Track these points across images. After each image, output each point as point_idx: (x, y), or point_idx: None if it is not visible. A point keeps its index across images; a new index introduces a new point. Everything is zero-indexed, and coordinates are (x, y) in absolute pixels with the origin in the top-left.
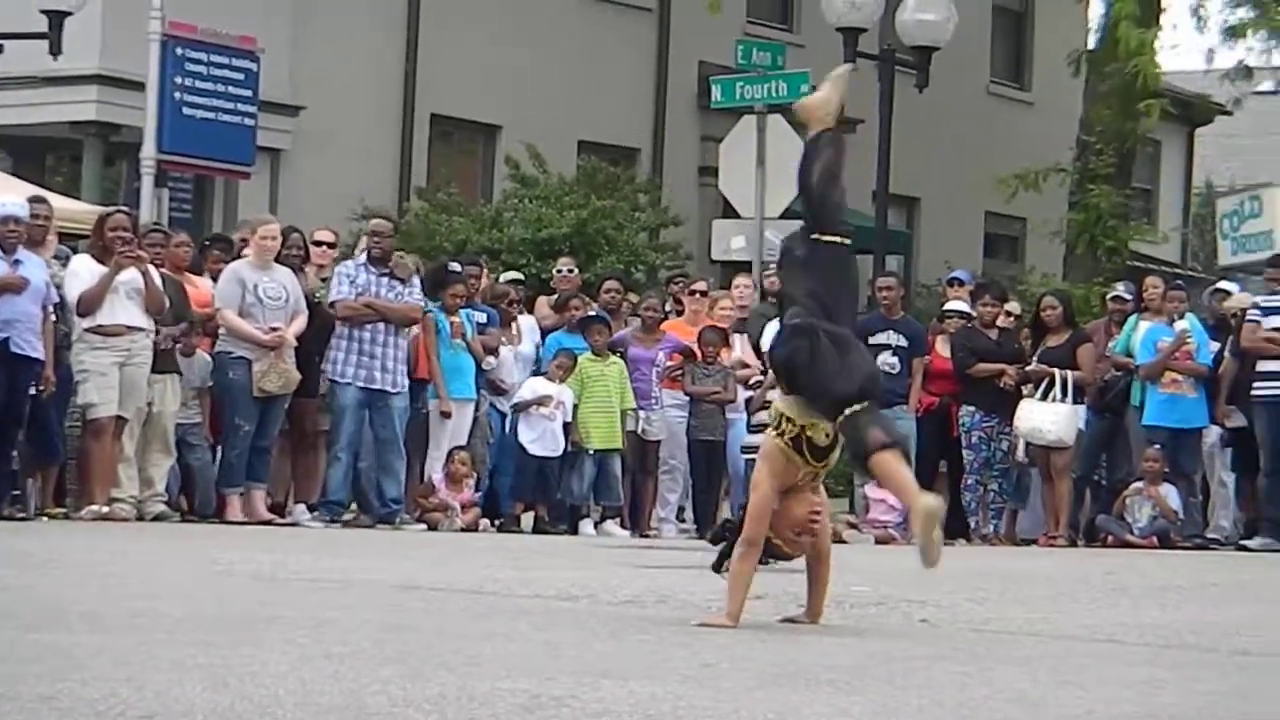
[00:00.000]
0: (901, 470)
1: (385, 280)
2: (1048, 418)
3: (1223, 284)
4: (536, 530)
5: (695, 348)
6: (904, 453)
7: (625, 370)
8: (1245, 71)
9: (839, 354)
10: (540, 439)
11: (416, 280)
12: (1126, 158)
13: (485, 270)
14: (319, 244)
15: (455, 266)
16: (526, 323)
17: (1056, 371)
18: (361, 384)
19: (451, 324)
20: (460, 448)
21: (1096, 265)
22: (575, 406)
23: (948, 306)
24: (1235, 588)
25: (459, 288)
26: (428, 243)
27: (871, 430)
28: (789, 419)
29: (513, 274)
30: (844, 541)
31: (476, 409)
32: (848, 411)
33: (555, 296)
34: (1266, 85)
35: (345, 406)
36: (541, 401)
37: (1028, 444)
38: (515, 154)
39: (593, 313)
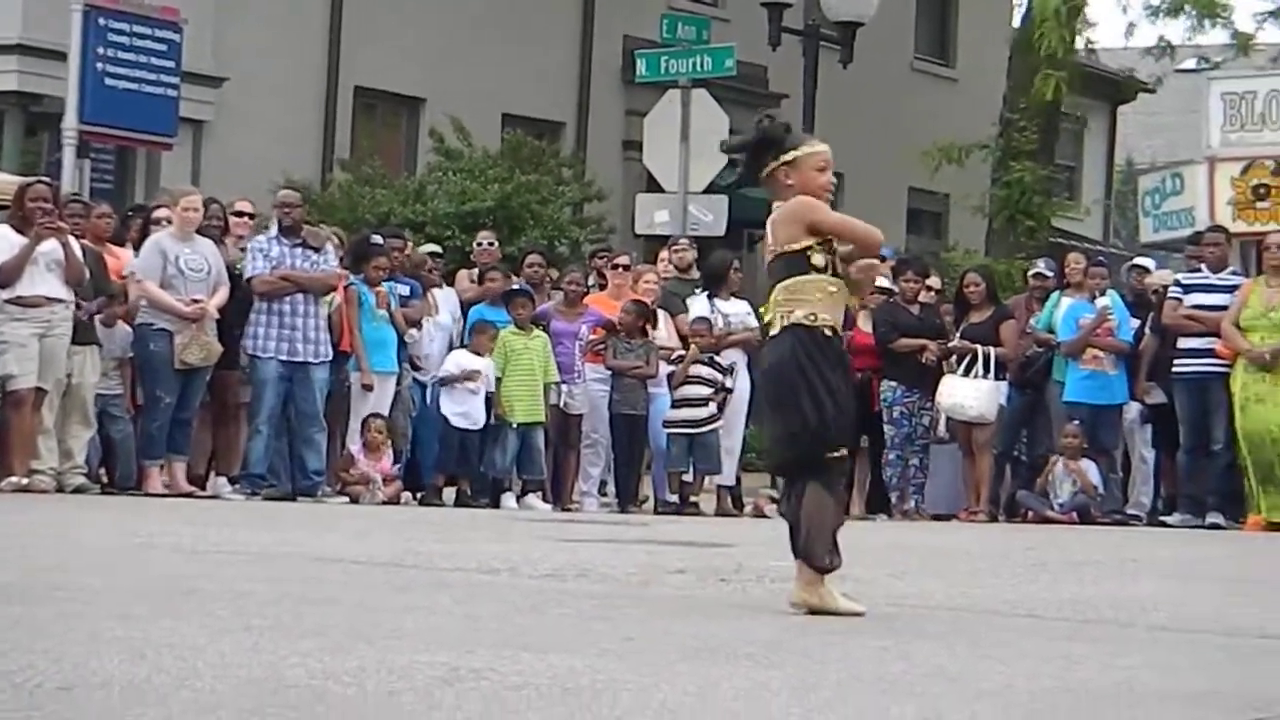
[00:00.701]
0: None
1: (299, 251)
2: (970, 393)
3: (1140, 260)
4: (458, 503)
5: (618, 321)
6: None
7: (549, 344)
8: (1167, 49)
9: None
10: (463, 412)
11: (330, 248)
12: (1049, 134)
13: (408, 243)
14: (239, 214)
15: (377, 239)
16: (445, 295)
17: (979, 348)
18: (284, 357)
19: (377, 294)
20: (377, 416)
21: (1019, 241)
22: (498, 380)
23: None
24: (1154, 563)
25: (381, 260)
26: (350, 214)
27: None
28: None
29: (431, 246)
30: (766, 517)
31: (398, 382)
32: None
33: (480, 269)
34: (1189, 63)
35: (266, 380)
36: (470, 376)
37: (949, 419)
38: (440, 127)
39: (515, 286)
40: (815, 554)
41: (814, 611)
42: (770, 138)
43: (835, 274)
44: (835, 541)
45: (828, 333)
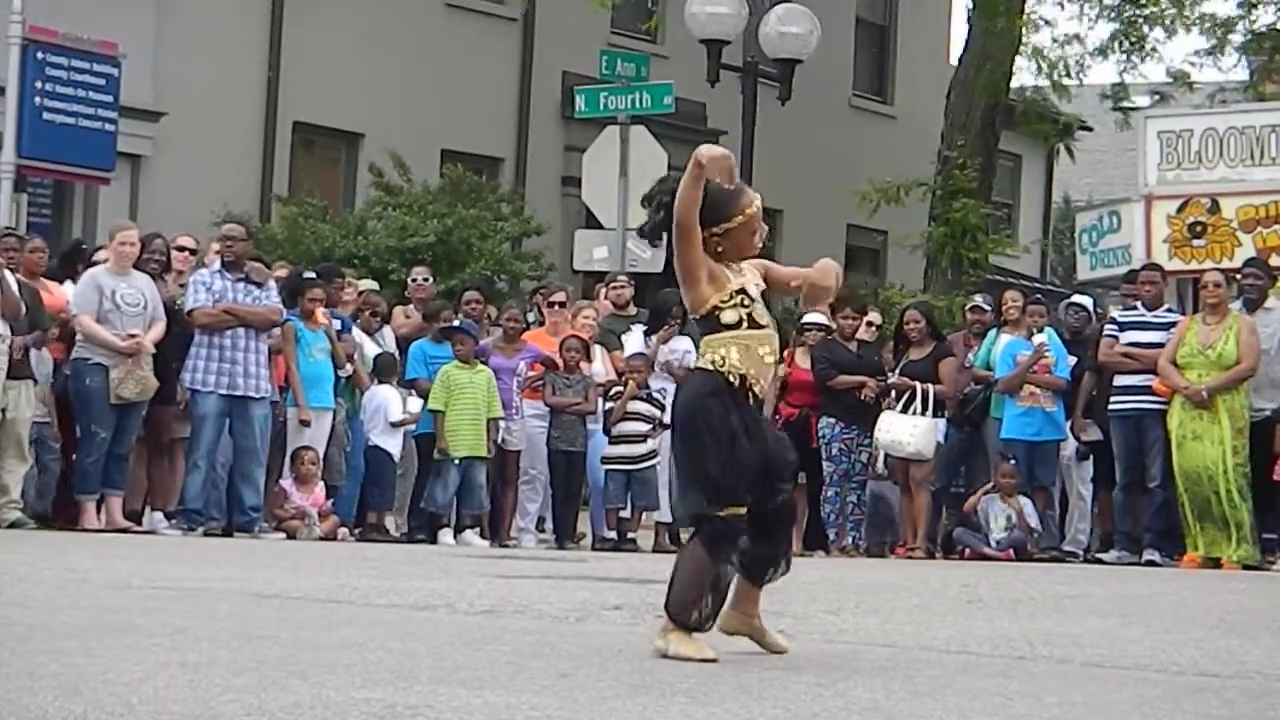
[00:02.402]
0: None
1: (242, 285)
2: (907, 430)
3: (1078, 299)
4: (392, 539)
5: (556, 358)
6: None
7: (493, 379)
8: (1120, 89)
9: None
10: (385, 439)
11: (273, 283)
12: (987, 172)
13: (345, 281)
14: (180, 249)
15: (310, 273)
16: (382, 333)
17: (918, 385)
18: (224, 391)
19: (316, 321)
20: (308, 449)
21: (958, 278)
22: (441, 414)
23: (806, 319)
24: (1090, 600)
25: (316, 291)
26: (293, 249)
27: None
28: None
29: (368, 282)
30: None
31: (334, 417)
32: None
33: (425, 306)
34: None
35: (206, 415)
36: (415, 419)
37: (886, 456)
38: (379, 162)
39: (457, 323)
40: (676, 610)
41: (665, 656)
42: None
43: (755, 325)
44: (706, 601)
45: (733, 379)
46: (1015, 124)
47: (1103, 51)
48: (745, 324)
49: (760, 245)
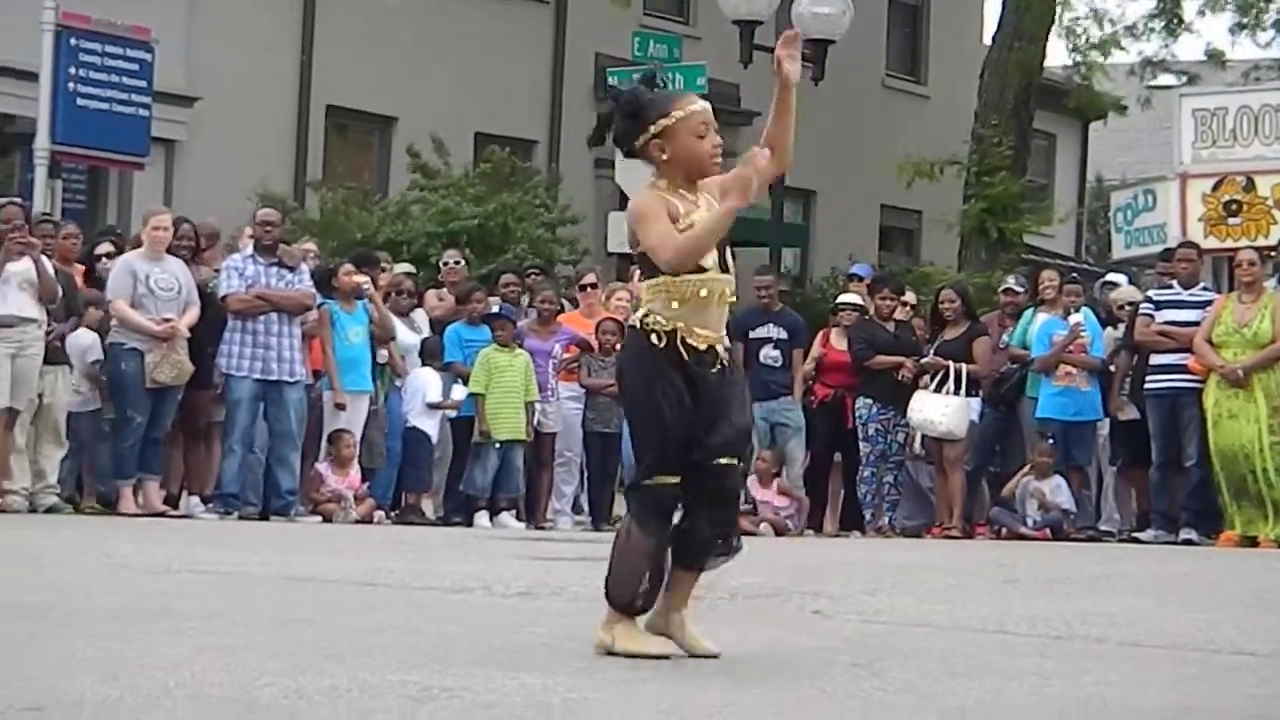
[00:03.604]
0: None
1: (275, 270)
2: (939, 409)
3: (1111, 276)
4: (428, 521)
5: (591, 340)
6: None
7: (530, 362)
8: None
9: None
10: (423, 420)
11: (305, 267)
12: (1021, 151)
13: (382, 267)
14: (211, 235)
15: (349, 266)
16: (417, 315)
17: (951, 364)
18: (258, 376)
19: (351, 302)
20: (344, 432)
21: (993, 257)
22: (482, 398)
23: (841, 300)
24: (1126, 579)
25: (349, 267)
26: (333, 234)
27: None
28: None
29: (405, 266)
30: (753, 534)
31: (373, 401)
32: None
33: (457, 289)
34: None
35: (240, 399)
36: (455, 405)
37: (924, 436)
38: (415, 145)
39: (496, 308)
40: (614, 592)
41: (611, 652)
42: (631, 107)
43: (695, 269)
44: (646, 581)
45: (656, 338)
46: (1061, 103)
47: (1132, 30)
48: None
49: (717, 160)
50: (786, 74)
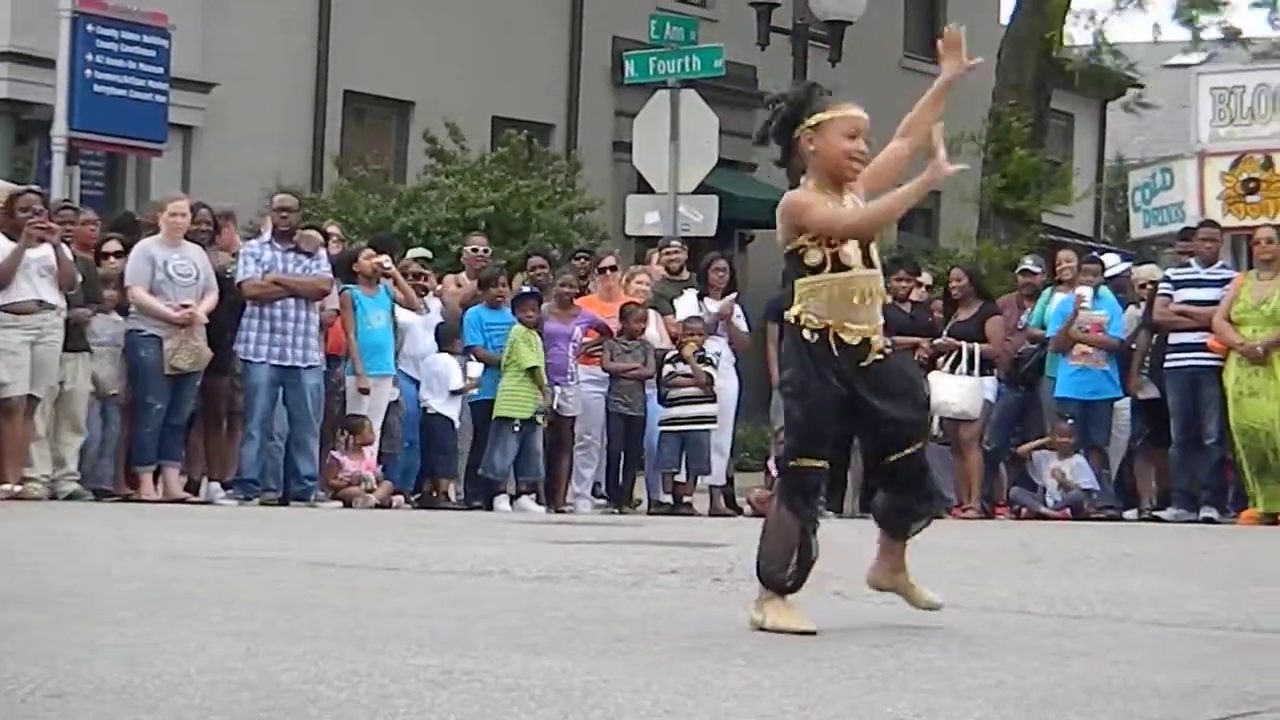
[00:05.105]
0: None
1: (292, 255)
2: (952, 390)
3: (1106, 257)
4: (449, 505)
5: (611, 323)
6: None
7: (542, 347)
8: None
9: None
10: (443, 404)
11: (323, 253)
12: (1039, 130)
13: (398, 252)
14: (227, 217)
15: (368, 250)
16: (432, 300)
17: (963, 344)
18: (275, 361)
19: (374, 287)
20: (356, 415)
21: (1012, 236)
22: (537, 369)
23: None
24: (1147, 558)
25: (369, 251)
26: (348, 216)
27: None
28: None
29: (421, 250)
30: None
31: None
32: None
33: (478, 274)
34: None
35: (258, 384)
36: (476, 385)
37: (941, 418)
38: (432, 130)
39: (526, 289)
40: (764, 570)
41: (762, 629)
42: (794, 101)
43: (839, 267)
44: (795, 561)
45: (807, 334)
46: (1072, 83)
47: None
48: (829, 266)
49: (857, 167)
50: (952, 74)
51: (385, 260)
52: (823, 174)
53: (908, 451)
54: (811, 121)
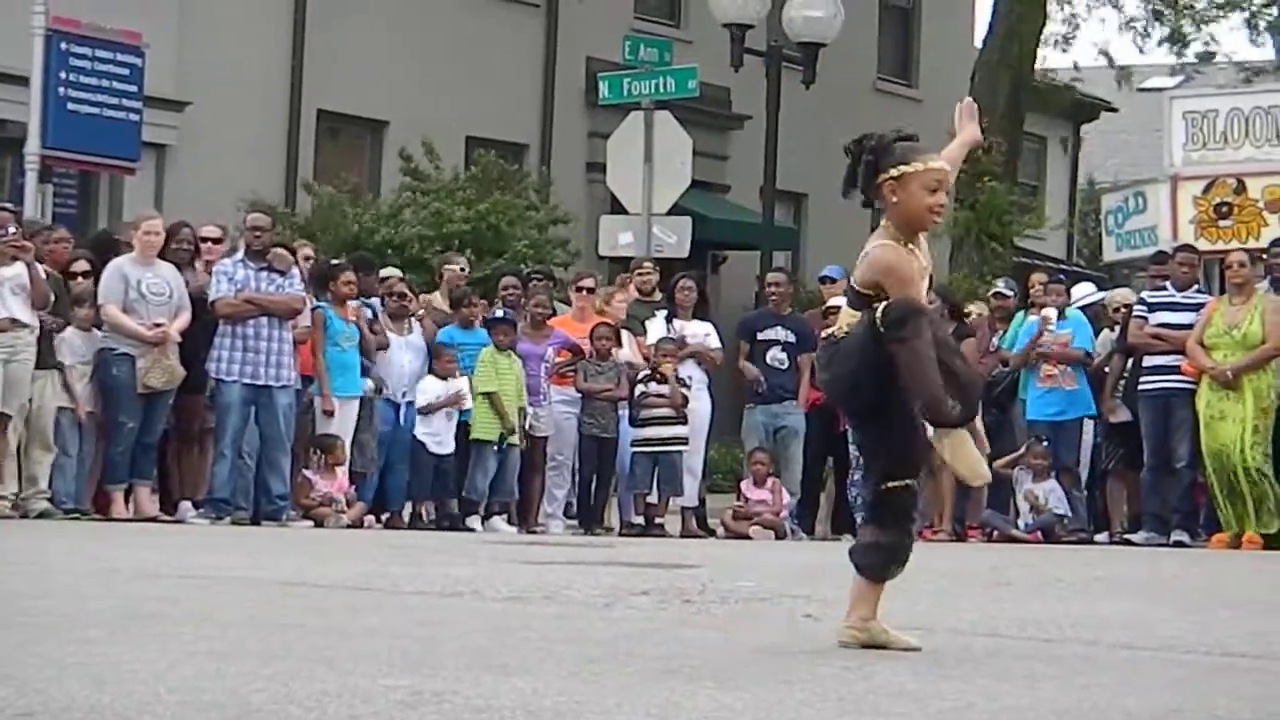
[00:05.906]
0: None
1: (264, 274)
2: None
3: (1080, 286)
4: (422, 526)
5: (584, 344)
6: None
7: (522, 369)
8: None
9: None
10: (436, 436)
11: (296, 271)
12: (1012, 155)
13: (376, 270)
14: (205, 240)
15: (336, 260)
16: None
17: None
18: (247, 380)
19: (348, 310)
20: (329, 436)
21: (984, 261)
22: (496, 394)
23: (832, 302)
24: (1117, 582)
25: (348, 275)
26: (324, 235)
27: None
28: None
29: (391, 270)
30: (748, 537)
31: (364, 405)
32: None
33: (451, 293)
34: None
35: (230, 403)
36: (456, 401)
37: None
38: (406, 149)
39: (499, 313)
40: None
41: (866, 646)
42: (878, 149)
43: None
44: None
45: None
46: (1040, 105)
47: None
48: None
49: (937, 220)
50: (971, 138)
51: (358, 315)
52: (902, 223)
53: (906, 481)
54: (895, 172)
